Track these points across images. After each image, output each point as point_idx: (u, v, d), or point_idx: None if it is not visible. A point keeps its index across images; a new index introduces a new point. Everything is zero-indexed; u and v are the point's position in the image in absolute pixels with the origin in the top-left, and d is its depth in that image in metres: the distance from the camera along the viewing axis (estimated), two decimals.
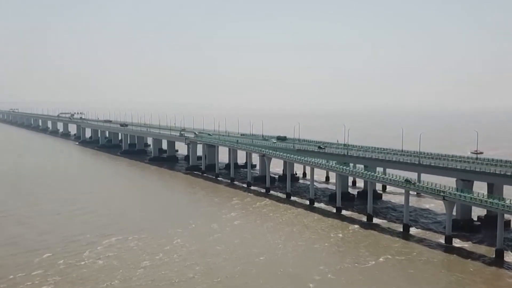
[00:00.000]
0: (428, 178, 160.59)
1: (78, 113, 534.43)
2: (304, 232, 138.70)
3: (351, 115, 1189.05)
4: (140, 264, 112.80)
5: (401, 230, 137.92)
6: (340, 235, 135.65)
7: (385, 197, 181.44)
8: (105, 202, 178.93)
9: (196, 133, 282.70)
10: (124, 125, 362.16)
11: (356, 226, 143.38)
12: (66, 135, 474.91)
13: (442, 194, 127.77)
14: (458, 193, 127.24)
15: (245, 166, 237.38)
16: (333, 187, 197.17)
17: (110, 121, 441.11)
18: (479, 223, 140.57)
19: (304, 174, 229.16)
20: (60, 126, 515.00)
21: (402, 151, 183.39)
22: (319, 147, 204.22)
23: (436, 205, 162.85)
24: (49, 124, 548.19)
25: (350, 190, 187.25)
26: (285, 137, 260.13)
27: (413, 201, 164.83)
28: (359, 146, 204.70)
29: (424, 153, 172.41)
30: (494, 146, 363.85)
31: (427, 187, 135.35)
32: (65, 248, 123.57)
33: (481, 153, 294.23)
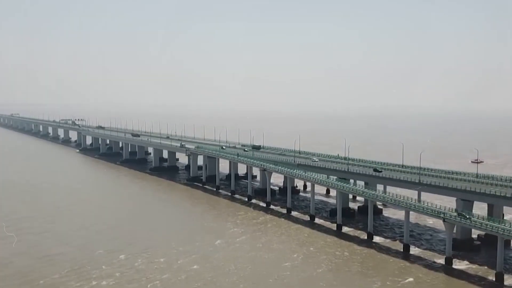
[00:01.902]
0: (428, 196, 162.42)
1: (78, 119, 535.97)
2: (309, 251, 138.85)
3: (351, 118, 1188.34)
4: (148, 285, 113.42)
5: (402, 249, 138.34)
6: (344, 254, 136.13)
7: (385, 212, 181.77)
8: (109, 218, 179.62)
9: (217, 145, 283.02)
10: (136, 135, 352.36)
11: (358, 245, 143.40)
12: (67, 141, 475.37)
13: (442, 216, 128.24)
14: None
15: (245, 177, 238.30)
16: (333, 201, 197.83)
17: (103, 128, 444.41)
18: (479, 242, 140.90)
19: (305, 186, 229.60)
20: (61, 132, 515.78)
21: (402, 166, 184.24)
22: (375, 170, 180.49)
23: (437, 221, 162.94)
24: (50, 130, 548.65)
25: (351, 204, 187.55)
26: (260, 146, 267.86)
27: (414, 218, 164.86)
28: (359, 160, 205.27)
29: (424, 169, 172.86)
30: (494, 154, 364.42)
31: (427, 208, 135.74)
32: (73, 267, 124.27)
33: (482, 162, 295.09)
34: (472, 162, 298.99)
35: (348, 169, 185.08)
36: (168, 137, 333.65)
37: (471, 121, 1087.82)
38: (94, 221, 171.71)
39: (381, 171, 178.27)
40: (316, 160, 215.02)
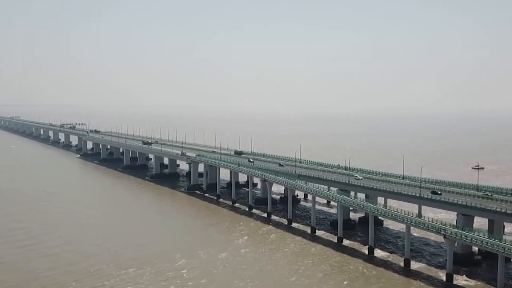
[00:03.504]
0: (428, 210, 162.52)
1: (79, 123, 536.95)
2: (314, 266, 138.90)
3: (352, 120, 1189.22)
4: None
5: (403, 264, 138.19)
6: (349, 269, 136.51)
7: (386, 223, 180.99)
8: (113, 230, 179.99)
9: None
10: (147, 143, 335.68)
11: (360, 260, 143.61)
12: (67, 146, 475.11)
13: (442, 232, 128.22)
14: (459, 231, 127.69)
15: (246, 185, 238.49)
16: (334, 210, 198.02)
17: (98, 132, 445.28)
18: (479, 257, 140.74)
19: (306, 195, 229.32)
20: (61, 136, 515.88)
21: (403, 178, 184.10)
22: (433, 192, 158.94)
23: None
24: (51, 134, 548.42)
25: (352, 214, 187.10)
26: (241, 151, 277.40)
27: (415, 230, 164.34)
28: (360, 170, 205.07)
29: (425, 181, 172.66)
30: (495, 159, 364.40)
31: (428, 224, 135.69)
32: (79, 282, 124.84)
33: (482, 168, 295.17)
34: (472, 168, 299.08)
35: (349, 181, 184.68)
36: (156, 142, 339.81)
37: (472, 122, 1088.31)
38: (99, 234, 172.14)
39: (440, 194, 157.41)
40: (360, 178, 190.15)
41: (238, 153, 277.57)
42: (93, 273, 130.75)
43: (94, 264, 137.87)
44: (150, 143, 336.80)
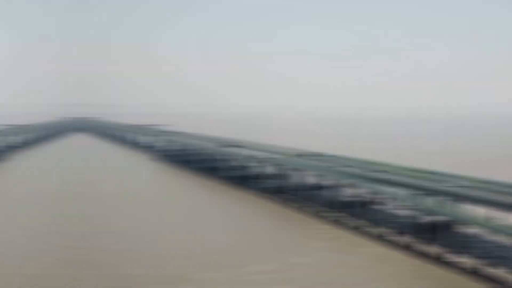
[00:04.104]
0: None
1: (156, 124, 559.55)
2: (404, 277, 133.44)
3: (426, 120, 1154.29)
4: None
5: (486, 272, 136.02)
6: (441, 279, 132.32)
7: (465, 228, 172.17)
8: (189, 232, 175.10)
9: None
10: (234, 145, 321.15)
11: (441, 269, 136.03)
12: (146, 147, 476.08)
13: None
14: None
15: (330, 188, 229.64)
16: (411, 214, 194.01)
17: (172, 132, 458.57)
18: None
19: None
20: (138, 138, 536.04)
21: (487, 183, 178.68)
22: None
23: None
24: (128, 135, 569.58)
25: (428, 218, 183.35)
26: (302, 154, 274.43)
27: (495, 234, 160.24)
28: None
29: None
30: None
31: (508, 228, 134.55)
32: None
33: None
34: None
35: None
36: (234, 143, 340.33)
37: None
38: (183, 237, 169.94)
39: None
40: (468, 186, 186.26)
41: (299, 155, 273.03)
42: (174, 276, 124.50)
43: (180, 266, 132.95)
44: (238, 146, 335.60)
